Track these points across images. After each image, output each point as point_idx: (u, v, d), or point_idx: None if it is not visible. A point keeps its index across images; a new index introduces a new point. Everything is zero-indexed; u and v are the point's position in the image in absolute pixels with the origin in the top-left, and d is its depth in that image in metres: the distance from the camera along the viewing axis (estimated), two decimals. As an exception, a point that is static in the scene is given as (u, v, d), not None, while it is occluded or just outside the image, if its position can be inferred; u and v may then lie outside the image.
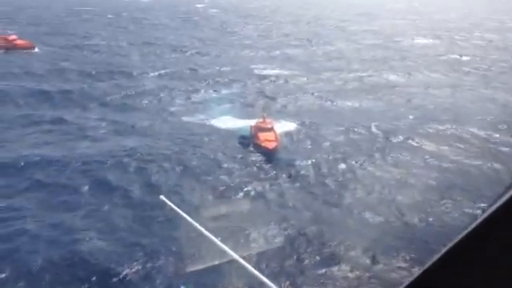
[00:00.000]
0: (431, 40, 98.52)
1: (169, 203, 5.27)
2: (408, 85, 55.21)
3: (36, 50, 72.54)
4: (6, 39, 72.80)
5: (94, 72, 55.99)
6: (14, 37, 73.96)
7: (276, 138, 31.74)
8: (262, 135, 31.44)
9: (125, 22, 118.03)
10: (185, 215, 4.59)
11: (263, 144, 30.83)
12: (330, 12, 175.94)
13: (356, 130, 37.80)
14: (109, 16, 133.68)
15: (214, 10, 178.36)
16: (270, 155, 30.62)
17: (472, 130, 37.92)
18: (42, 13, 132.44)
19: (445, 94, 50.70)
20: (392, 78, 59.19)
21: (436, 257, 1.65)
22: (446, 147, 33.86)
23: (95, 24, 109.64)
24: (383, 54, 76.83)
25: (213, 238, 4.10)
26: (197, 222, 4.31)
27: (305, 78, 57.11)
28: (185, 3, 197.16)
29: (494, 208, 1.40)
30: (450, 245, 1.58)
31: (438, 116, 42.09)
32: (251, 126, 34.01)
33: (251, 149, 32.15)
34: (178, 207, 4.87)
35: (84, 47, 75.85)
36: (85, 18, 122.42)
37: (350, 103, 46.54)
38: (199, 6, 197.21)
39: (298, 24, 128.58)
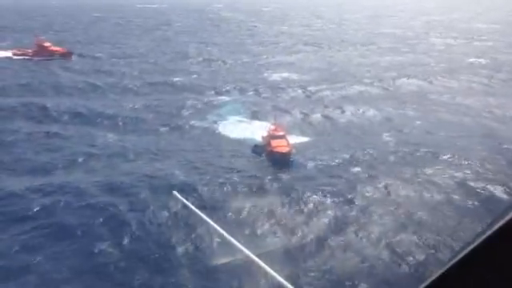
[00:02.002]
0: (448, 41, 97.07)
1: (181, 199, 5.31)
2: (431, 91, 53.33)
3: (73, 58, 71.80)
4: (41, 46, 71.34)
5: (132, 85, 55.38)
6: (48, 43, 72.88)
7: (288, 144, 31.82)
8: (275, 142, 31.70)
9: (139, 27, 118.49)
10: (197, 211, 4.67)
11: (276, 149, 30.92)
12: (344, 14, 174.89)
13: (375, 142, 35.77)
14: (120, 22, 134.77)
15: (228, 14, 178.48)
16: (283, 161, 30.35)
17: (507, 146, 34.23)
18: (57, 20, 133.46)
19: (471, 101, 47.88)
20: (414, 83, 57.35)
21: (434, 275, 1.62)
22: (477, 166, 30.60)
23: (113, 30, 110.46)
24: (402, 59, 75.50)
25: (224, 232, 4.09)
26: (209, 217, 4.36)
27: (320, 85, 55.72)
28: (196, 6, 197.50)
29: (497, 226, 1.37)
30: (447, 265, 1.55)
31: (466, 127, 39.30)
32: (263, 137, 34.11)
33: (265, 162, 31.39)
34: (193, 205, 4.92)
35: (115, 56, 75.27)
36: (103, 26, 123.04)
37: (369, 112, 44.57)
38: (217, 5, 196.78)
39: (311, 28, 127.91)
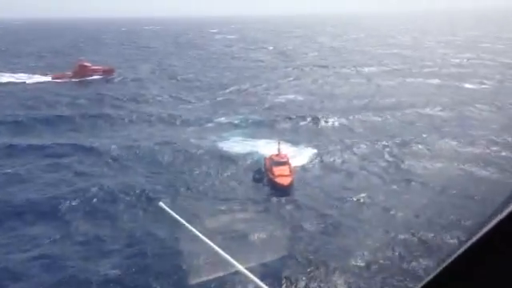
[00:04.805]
0: (457, 61, 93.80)
1: (168, 210, 5.24)
2: (447, 121, 46.87)
3: (115, 74, 71.60)
4: (82, 66, 70.27)
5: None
6: (88, 63, 72.06)
7: (291, 172, 30.80)
8: (277, 169, 30.48)
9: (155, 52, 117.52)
10: (184, 222, 4.62)
11: (277, 180, 29.88)
12: (349, 33, 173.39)
13: (386, 180, 32.11)
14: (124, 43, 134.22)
15: (231, 36, 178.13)
16: (284, 191, 29.34)
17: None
18: (54, 42, 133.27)
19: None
20: (436, 113, 50.21)
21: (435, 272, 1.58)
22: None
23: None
24: (413, 80, 71.90)
25: (213, 245, 4.04)
26: (196, 229, 4.25)
27: (324, 108, 52.93)
28: (190, 30, 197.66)
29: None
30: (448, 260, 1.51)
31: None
32: (265, 159, 33.22)
33: (266, 188, 30.54)
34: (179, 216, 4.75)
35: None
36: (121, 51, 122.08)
37: (378, 144, 39.38)
38: (213, 31, 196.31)
39: (318, 48, 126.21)
